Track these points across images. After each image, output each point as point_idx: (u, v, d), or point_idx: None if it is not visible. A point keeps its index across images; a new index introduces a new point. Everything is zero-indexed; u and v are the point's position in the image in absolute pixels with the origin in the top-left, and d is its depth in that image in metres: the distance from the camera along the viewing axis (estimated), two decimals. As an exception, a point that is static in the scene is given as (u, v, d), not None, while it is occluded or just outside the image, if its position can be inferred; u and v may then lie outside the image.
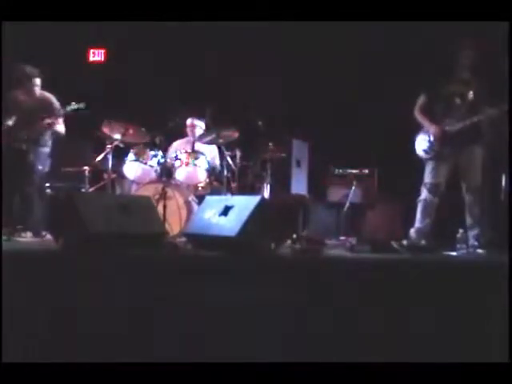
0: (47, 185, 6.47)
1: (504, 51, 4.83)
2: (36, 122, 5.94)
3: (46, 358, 1.68)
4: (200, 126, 6.98)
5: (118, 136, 6.27)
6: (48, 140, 6.12)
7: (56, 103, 6.07)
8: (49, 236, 5.55)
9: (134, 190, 6.58)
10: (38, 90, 6.07)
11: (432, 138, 5.46)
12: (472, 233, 5.38)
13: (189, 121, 6.96)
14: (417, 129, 5.62)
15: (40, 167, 6.03)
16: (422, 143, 5.55)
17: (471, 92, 5.38)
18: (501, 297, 2.52)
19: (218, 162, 6.90)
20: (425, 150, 5.52)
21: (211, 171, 6.64)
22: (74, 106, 5.89)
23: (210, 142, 6.70)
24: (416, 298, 2.86)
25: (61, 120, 6.07)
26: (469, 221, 5.41)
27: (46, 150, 6.12)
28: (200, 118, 6.96)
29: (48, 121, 5.93)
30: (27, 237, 5.75)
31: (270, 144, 6.59)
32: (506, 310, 2.15)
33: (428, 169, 5.54)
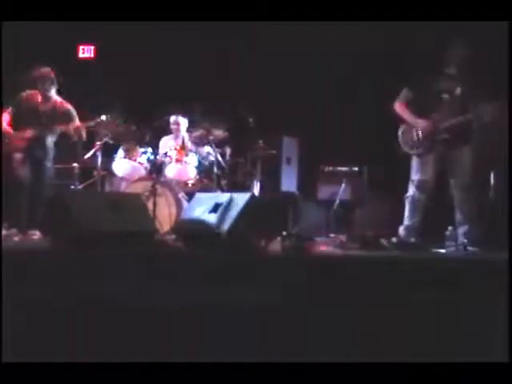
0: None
1: (501, 51, 4.84)
2: (52, 126, 5.94)
3: (46, 357, 1.68)
4: (184, 123, 6.92)
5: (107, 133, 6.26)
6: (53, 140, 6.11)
7: (72, 109, 6.05)
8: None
9: (123, 187, 6.57)
10: (54, 94, 6.04)
11: (420, 134, 5.42)
12: (461, 230, 5.38)
13: (172, 118, 6.90)
14: (400, 123, 5.59)
15: (49, 166, 6.04)
16: (408, 138, 5.52)
17: (460, 89, 5.38)
18: (496, 294, 2.54)
19: (208, 159, 6.88)
20: (412, 146, 5.49)
21: (201, 168, 6.64)
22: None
23: (199, 139, 6.70)
24: (408, 295, 2.87)
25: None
26: (458, 218, 5.41)
27: (51, 150, 6.09)
28: (184, 114, 6.91)
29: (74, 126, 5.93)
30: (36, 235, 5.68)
31: (260, 141, 6.60)
32: (505, 309, 2.16)
33: (415, 165, 5.50)
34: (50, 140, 6.01)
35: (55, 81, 5.99)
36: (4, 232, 5.56)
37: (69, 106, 6.06)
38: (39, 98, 5.99)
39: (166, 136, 7.06)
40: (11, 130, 5.91)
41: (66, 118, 5.99)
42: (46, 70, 5.97)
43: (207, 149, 6.86)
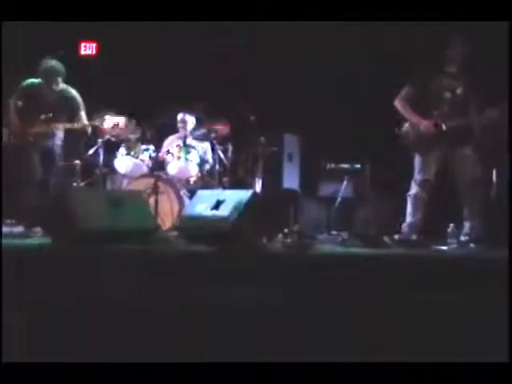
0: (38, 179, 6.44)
1: (501, 51, 4.83)
2: (57, 118, 5.96)
3: (46, 357, 1.68)
4: (191, 121, 6.94)
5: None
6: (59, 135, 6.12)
7: (78, 97, 6.06)
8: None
9: (125, 184, 6.56)
10: (59, 86, 6.03)
11: (422, 133, 5.43)
12: (463, 227, 5.39)
13: (180, 116, 6.91)
14: (403, 121, 5.59)
15: (57, 160, 6.08)
16: (411, 137, 5.52)
17: (461, 88, 5.38)
18: (497, 292, 2.53)
19: (209, 156, 6.88)
20: (415, 144, 5.50)
21: (203, 165, 6.64)
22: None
23: (201, 137, 6.71)
24: (409, 294, 2.86)
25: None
26: (460, 215, 5.42)
27: (58, 142, 6.12)
28: (191, 112, 6.92)
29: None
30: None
31: (262, 138, 6.59)
32: (505, 308, 2.16)
33: (418, 164, 5.52)
34: (59, 135, 6.02)
35: (62, 73, 6.00)
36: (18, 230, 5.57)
37: (75, 94, 6.08)
38: (45, 90, 6.00)
39: (172, 135, 7.06)
40: (18, 124, 5.90)
41: (73, 107, 6.01)
42: (53, 62, 5.98)
43: (209, 146, 6.87)
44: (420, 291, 2.88)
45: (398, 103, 5.56)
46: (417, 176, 5.51)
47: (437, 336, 2.01)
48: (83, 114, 6.04)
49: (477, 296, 2.74)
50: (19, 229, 5.72)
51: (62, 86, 6.06)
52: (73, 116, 6.00)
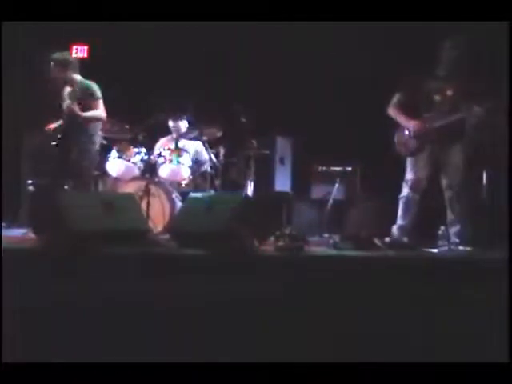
0: (29, 182, 6.42)
1: (501, 51, 4.85)
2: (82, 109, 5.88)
3: (46, 357, 1.68)
4: (183, 123, 6.88)
5: (100, 133, 6.24)
6: (92, 134, 6.01)
7: (95, 89, 5.97)
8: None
9: (117, 187, 6.55)
10: (76, 77, 5.98)
11: (412, 135, 5.45)
12: (453, 230, 5.40)
13: (171, 118, 6.88)
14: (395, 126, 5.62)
15: (82, 162, 5.97)
16: (400, 140, 5.55)
17: (451, 89, 5.40)
18: (493, 294, 2.55)
19: (201, 159, 6.87)
20: (404, 147, 5.52)
21: (195, 168, 6.63)
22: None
23: (193, 139, 6.71)
24: (405, 295, 2.88)
25: (99, 105, 5.96)
26: (450, 217, 5.43)
27: (91, 146, 6.00)
28: (183, 115, 6.89)
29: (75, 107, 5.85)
30: None
31: (254, 141, 6.60)
32: (505, 308, 2.17)
33: (409, 165, 5.54)
34: (94, 127, 5.99)
35: (75, 63, 5.99)
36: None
37: (89, 82, 6.00)
38: (64, 83, 5.95)
39: (164, 138, 7.04)
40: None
41: (94, 96, 5.93)
42: (64, 54, 5.98)
43: (201, 149, 6.86)
44: (415, 291, 2.90)
45: (390, 110, 5.59)
46: (407, 178, 5.53)
47: (436, 336, 2.02)
48: (101, 103, 5.96)
49: (475, 297, 2.75)
50: (18, 230, 5.70)
51: (78, 78, 6.02)
52: (95, 105, 5.94)
